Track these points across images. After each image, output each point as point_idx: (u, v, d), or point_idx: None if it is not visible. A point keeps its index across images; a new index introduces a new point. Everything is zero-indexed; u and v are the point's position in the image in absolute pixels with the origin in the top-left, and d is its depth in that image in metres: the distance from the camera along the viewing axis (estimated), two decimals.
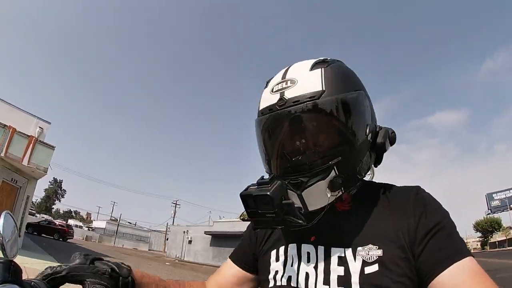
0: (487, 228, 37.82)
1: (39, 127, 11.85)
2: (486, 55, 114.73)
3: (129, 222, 54.64)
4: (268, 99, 0.65)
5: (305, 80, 0.62)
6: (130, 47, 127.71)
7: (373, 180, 0.74)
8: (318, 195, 0.61)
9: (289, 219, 0.59)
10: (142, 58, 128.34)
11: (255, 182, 0.61)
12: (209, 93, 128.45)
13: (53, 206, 66.71)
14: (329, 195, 0.61)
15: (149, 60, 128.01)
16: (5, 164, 10.32)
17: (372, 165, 0.72)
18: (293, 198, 0.61)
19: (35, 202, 57.67)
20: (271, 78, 0.69)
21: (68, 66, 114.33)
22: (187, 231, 31.50)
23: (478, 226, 39.10)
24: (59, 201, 68.19)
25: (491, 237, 37.50)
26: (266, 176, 0.64)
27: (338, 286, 0.58)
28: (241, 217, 0.63)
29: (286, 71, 0.66)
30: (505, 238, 34.12)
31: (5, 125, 9.96)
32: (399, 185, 0.69)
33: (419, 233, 0.57)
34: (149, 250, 44.27)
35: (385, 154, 0.72)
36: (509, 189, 42.12)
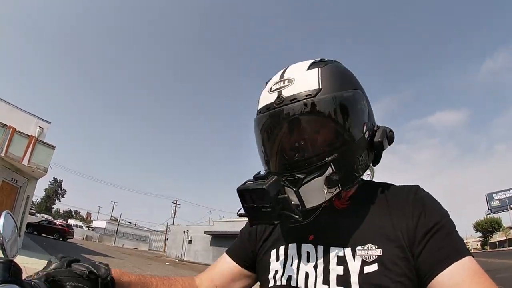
0: (487, 228, 37.82)
1: (39, 127, 11.84)
2: (486, 55, 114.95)
3: (129, 222, 54.64)
4: (266, 98, 0.66)
5: (302, 79, 0.64)
6: (130, 47, 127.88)
7: (373, 180, 0.74)
8: (315, 192, 0.61)
9: (285, 214, 0.59)
10: (142, 58, 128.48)
11: (252, 178, 0.62)
12: (209, 93, 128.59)
13: (53, 206, 66.78)
14: (326, 192, 0.61)
15: (149, 60, 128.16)
16: (5, 164, 10.32)
17: (371, 165, 0.72)
18: (290, 195, 0.61)
19: (35, 202, 57.72)
20: (270, 79, 0.70)
21: (68, 66, 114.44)
22: (187, 231, 31.52)
23: (478, 226, 39.11)
24: (59, 201, 68.29)
25: (491, 237, 37.50)
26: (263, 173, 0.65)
27: (337, 285, 0.58)
28: (238, 213, 0.63)
29: (284, 71, 0.68)
30: (505, 238, 34.13)
31: (5, 124, 9.95)
32: (398, 185, 0.69)
33: (419, 233, 0.57)
34: (149, 250, 44.29)
35: (385, 154, 0.73)
36: (509, 189, 42.12)
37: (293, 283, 0.64)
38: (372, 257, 0.58)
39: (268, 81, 0.70)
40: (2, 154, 9.78)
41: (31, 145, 10.61)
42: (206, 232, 28.17)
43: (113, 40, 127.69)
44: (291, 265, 0.67)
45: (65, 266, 0.54)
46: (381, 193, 0.67)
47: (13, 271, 0.47)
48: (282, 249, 0.71)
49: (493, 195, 43.87)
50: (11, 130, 9.99)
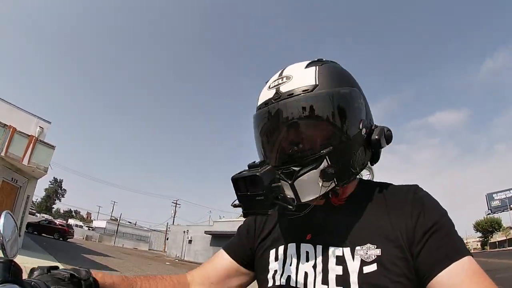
0: (487, 228, 37.80)
1: (40, 126, 11.85)
2: (486, 55, 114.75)
3: (129, 222, 54.71)
4: (265, 94, 0.68)
5: (300, 76, 0.66)
6: (130, 47, 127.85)
7: (374, 180, 0.74)
8: (310, 185, 0.62)
9: (279, 203, 0.59)
10: (142, 58, 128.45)
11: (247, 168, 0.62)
12: (209, 93, 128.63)
13: (53, 206, 66.81)
14: (321, 185, 0.61)
15: (149, 60, 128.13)
16: (5, 164, 10.32)
17: (370, 164, 0.73)
18: (286, 189, 0.62)
19: (36, 201, 57.73)
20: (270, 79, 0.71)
21: (68, 66, 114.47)
22: (187, 230, 31.52)
23: (478, 226, 39.08)
24: (60, 200, 68.30)
25: (491, 237, 37.48)
26: None
27: (336, 285, 0.59)
28: (232, 204, 0.62)
29: (283, 70, 0.70)
30: (505, 238, 34.10)
31: (5, 124, 9.95)
32: (397, 184, 0.69)
33: (418, 233, 0.57)
34: (149, 249, 44.29)
35: (384, 154, 0.73)
36: (509, 189, 42.08)
37: (292, 283, 0.64)
38: (371, 257, 0.58)
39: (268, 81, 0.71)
40: (2, 154, 9.78)
41: (31, 145, 10.61)
42: (206, 232, 28.18)
43: (113, 40, 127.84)
44: (290, 265, 0.67)
45: (46, 272, 0.54)
46: (380, 193, 0.67)
47: (13, 271, 0.47)
48: (281, 249, 0.71)
49: (493, 195, 43.83)
50: (11, 130, 9.99)
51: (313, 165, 0.61)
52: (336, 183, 0.63)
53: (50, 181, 64.34)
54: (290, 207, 0.60)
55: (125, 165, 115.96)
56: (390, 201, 0.64)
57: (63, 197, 68.17)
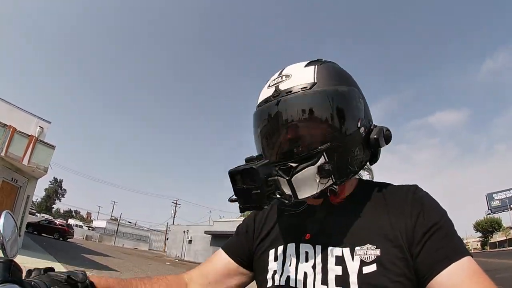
0: (487, 228, 37.80)
1: (40, 126, 11.84)
2: (486, 55, 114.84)
3: (129, 222, 54.67)
4: (265, 93, 0.70)
5: (299, 74, 0.67)
6: (130, 47, 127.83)
7: (373, 180, 0.74)
8: (307, 181, 0.62)
9: (275, 197, 0.59)
10: (142, 58, 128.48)
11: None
12: (209, 93, 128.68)
13: (53, 206, 66.78)
14: (318, 181, 0.61)
15: (149, 60, 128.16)
16: (5, 164, 10.32)
17: (369, 164, 0.73)
18: (283, 186, 0.62)
19: (36, 201, 57.72)
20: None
21: (68, 66, 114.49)
22: (187, 230, 31.52)
23: (478, 226, 39.08)
24: (60, 200, 68.28)
25: (491, 237, 37.47)
26: None
27: (336, 286, 0.58)
28: (229, 199, 0.62)
29: (283, 69, 0.71)
30: (505, 238, 34.09)
31: (5, 124, 9.94)
32: (396, 184, 0.69)
33: (417, 233, 0.57)
34: (149, 249, 44.28)
35: (384, 154, 0.73)
36: (509, 189, 42.07)
37: (292, 283, 0.64)
38: (371, 257, 0.58)
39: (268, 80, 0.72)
40: (2, 154, 9.78)
41: (31, 144, 10.61)
42: (206, 232, 28.17)
43: (113, 40, 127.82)
44: (290, 265, 0.67)
45: (43, 273, 0.55)
46: (379, 192, 0.67)
47: (13, 270, 0.47)
48: (280, 249, 0.71)
49: (493, 195, 43.82)
50: (11, 130, 9.99)
51: (310, 161, 0.61)
52: (333, 180, 0.62)
53: (50, 181, 64.43)
54: (286, 201, 0.60)
55: (125, 165, 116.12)
56: (389, 201, 0.64)
57: (63, 197, 68.24)
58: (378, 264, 0.57)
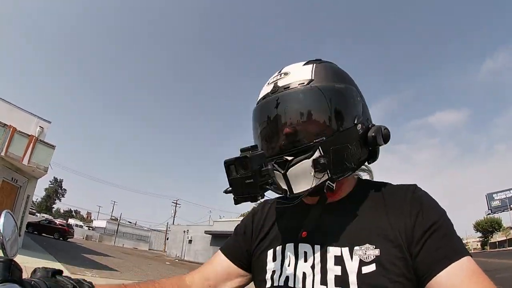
0: (487, 228, 37.80)
1: (40, 126, 11.83)
2: (486, 55, 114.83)
3: (129, 222, 54.63)
4: (264, 90, 0.72)
5: (297, 72, 0.69)
6: (130, 47, 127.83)
7: (373, 180, 0.74)
8: (302, 175, 0.62)
9: (268, 188, 0.59)
10: (142, 58, 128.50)
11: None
12: (209, 93, 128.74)
13: (53, 206, 66.79)
14: (312, 175, 0.61)
15: (149, 60, 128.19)
16: (5, 164, 10.32)
17: (368, 163, 0.73)
18: (279, 180, 0.63)
19: (36, 201, 57.72)
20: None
21: (68, 66, 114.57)
22: (187, 230, 31.51)
23: (478, 226, 39.09)
24: (60, 200, 68.30)
25: (491, 237, 37.48)
26: None
27: (335, 286, 0.58)
28: (224, 191, 0.61)
29: (282, 68, 0.73)
30: (505, 238, 34.10)
31: (5, 124, 9.93)
32: (395, 184, 0.69)
33: (416, 233, 0.57)
34: (149, 249, 44.25)
35: (385, 154, 0.73)
36: (509, 189, 42.05)
37: (291, 284, 0.64)
38: (370, 257, 0.58)
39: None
40: (2, 154, 9.78)
41: (31, 144, 10.60)
42: (206, 232, 28.17)
43: (113, 40, 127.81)
44: (288, 265, 0.67)
45: (50, 276, 0.53)
46: (378, 192, 0.67)
47: (13, 270, 0.46)
48: (279, 249, 0.71)
49: (493, 195, 43.81)
50: (11, 129, 9.98)
51: (306, 154, 0.62)
52: (329, 175, 0.62)
53: (50, 181, 64.45)
54: (280, 192, 0.61)
55: (125, 165, 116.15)
56: (388, 200, 0.64)
57: (63, 197, 68.27)
58: (378, 264, 0.57)
